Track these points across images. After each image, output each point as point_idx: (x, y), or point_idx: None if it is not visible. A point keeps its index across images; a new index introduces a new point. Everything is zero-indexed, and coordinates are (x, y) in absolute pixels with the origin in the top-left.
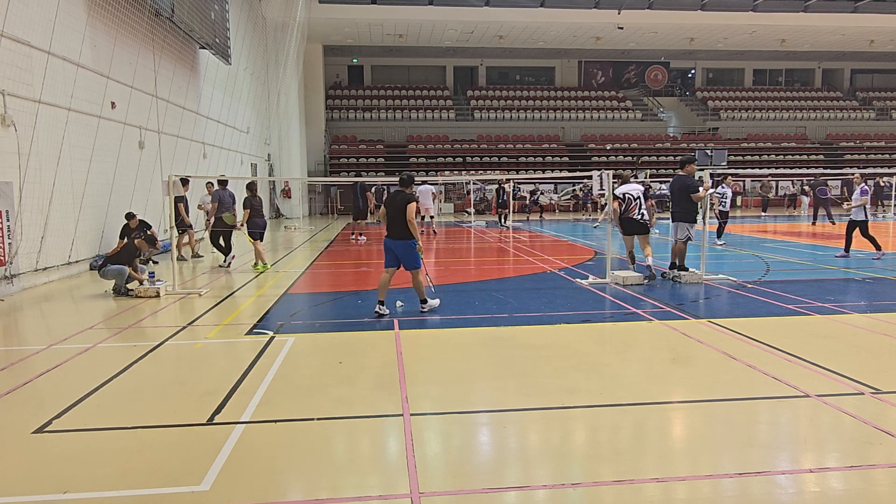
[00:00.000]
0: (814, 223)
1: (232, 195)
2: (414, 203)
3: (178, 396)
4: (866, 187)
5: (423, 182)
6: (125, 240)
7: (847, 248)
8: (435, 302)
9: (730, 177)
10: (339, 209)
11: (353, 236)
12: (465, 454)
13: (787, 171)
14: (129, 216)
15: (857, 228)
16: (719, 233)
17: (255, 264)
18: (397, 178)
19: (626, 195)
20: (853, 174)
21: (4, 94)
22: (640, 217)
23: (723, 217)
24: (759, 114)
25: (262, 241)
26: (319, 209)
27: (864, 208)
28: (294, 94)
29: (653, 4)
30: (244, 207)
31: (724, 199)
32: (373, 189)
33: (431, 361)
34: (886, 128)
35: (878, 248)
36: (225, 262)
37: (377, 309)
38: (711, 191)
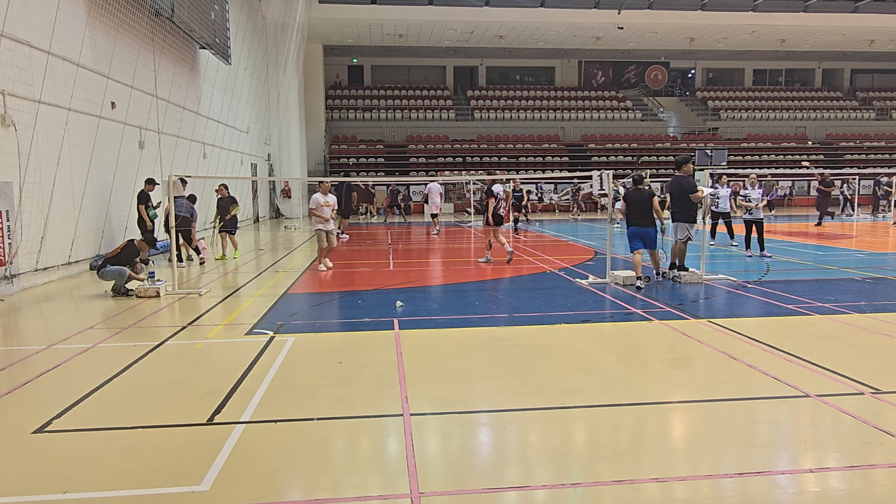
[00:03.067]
0: (819, 223)
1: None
2: (655, 196)
3: (178, 396)
4: (762, 189)
5: (433, 180)
6: (140, 207)
7: (749, 246)
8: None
9: (724, 176)
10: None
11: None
12: (464, 454)
13: (787, 170)
14: (149, 181)
15: (755, 225)
16: (712, 233)
17: (223, 255)
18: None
19: (498, 195)
20: (750, 174)
21: (4, 94)
22: (502, 212)
23: (715, 218)
24: (759, 114)
25: (234, 234)
26: None
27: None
28: (294, 94)
29: (653, 4)
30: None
31: (717, 199)
32: (368, 186)
33: (431, 361)
34: (886, 128)
35: (747, 247)
36: (182, 263)
37: (636, 283)
38: (709, 190)
